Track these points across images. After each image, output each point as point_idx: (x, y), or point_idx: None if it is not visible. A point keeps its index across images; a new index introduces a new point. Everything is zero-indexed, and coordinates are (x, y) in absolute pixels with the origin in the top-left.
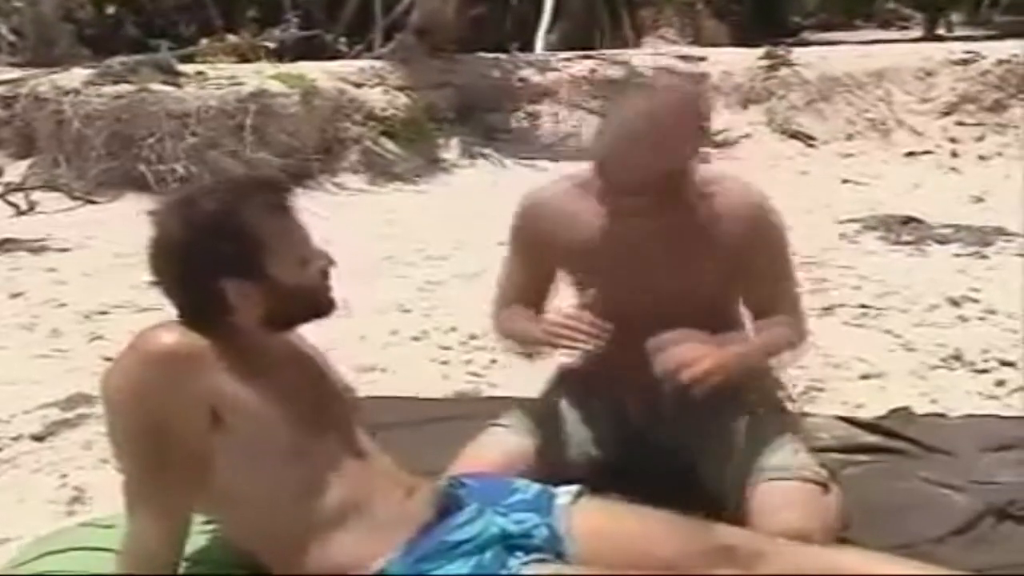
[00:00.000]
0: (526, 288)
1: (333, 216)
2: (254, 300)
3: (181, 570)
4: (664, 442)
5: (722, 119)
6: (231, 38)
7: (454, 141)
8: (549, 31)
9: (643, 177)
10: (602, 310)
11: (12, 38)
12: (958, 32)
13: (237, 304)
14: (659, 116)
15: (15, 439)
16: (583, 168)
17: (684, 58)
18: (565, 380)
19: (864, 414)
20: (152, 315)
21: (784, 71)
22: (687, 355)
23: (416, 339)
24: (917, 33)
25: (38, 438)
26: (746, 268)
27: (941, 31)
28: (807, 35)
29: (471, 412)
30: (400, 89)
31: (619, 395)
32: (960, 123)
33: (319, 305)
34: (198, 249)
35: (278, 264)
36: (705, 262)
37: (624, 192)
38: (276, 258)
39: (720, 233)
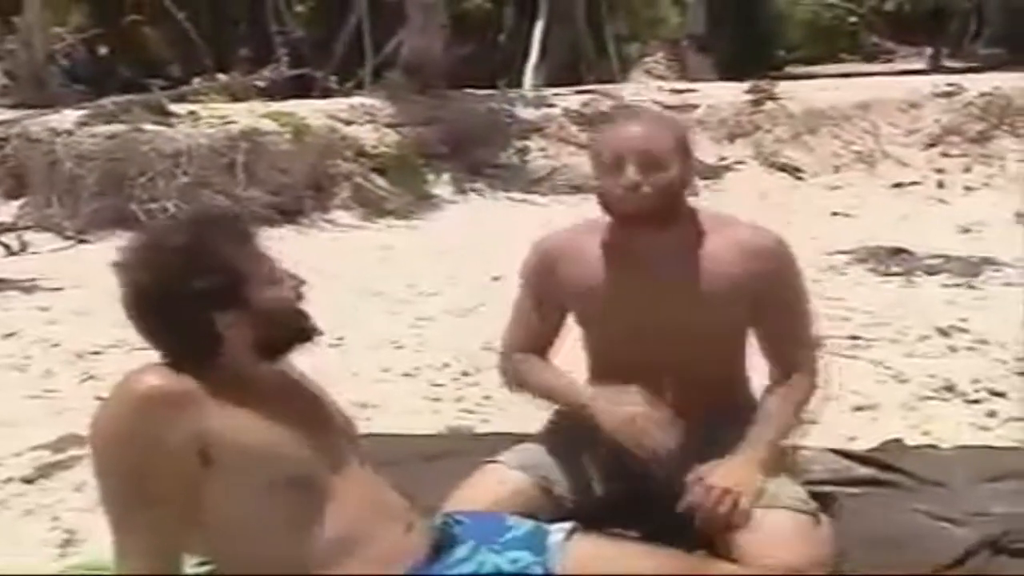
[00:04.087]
0: (537, 331)
1: (325, 252)
2: (241, 328)
3: None
4: (659, 478)
5: (709, 152)
6: (222, 77)
7: (444, 177)
8: (537, 67)
9: (640, 197)
10: (608, 350)
11: (4, 80)
12: (946, 64)
13: (226, 335)
14: (648, 133)
15: (6, 481)
16: (593, 212)
17: (673, 91)
18: (564, 418)
19: (856, 446)
20: (145, 355)
21: (770, 105)
22: (716, 495)
23: (408, 375)
24: (904, 66)
25: (29, 480)
26: (758, 311)
27: (925, 65)
28: (792, 69)
29: (463, 448)
30: (390, 126)
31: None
32: (945, 154)
33: (302, 327)
34: (178, 289)
35: (255, 288)
36: (714, 306)
37: (624, 214)
38: (252, 283)
39: (731, 276)
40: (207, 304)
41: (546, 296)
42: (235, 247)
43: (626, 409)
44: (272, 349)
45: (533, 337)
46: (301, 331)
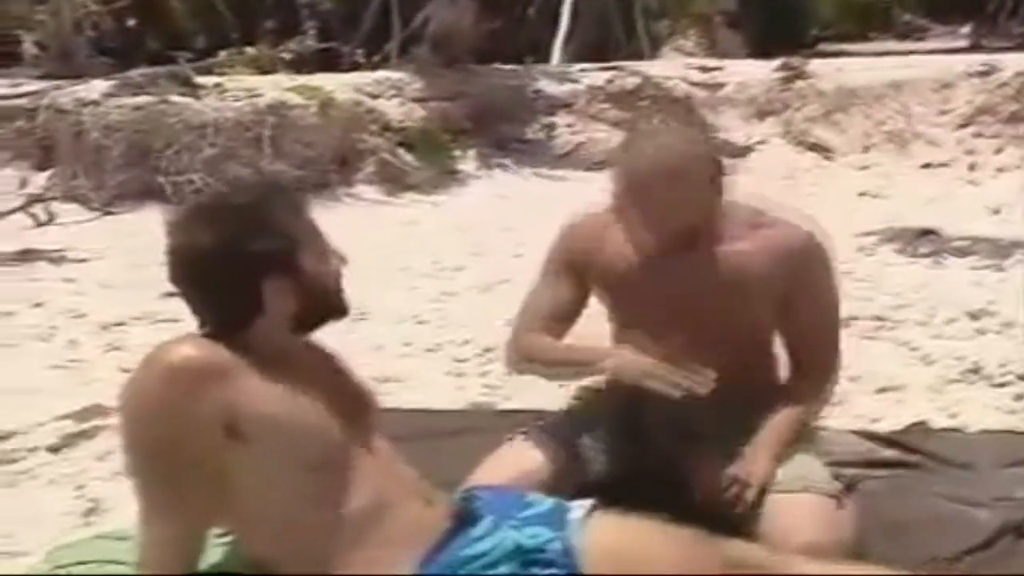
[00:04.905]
0: (557, 312)
1: (349, 227)
2: (286, 297)
3: None
4: (683, 459)
5: (738, 131)
6: (249, 50)
7: (470, 152)
8: (565, 43)
9: (661, 233)
10: (635, 335)
11: (35, 51)
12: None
13: (272, 303)
14: (672, 177)
15: (31, 451)
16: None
17: (700, 69)
18: (588, 397)
19: (881, 428)
20: (170, 326)
21: (800, 83)
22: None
23: (431, 351)
24: (938, 44)
25: (54, 450)
26: (787, 308)
27: (962, 43)
28: (823, 47)
29: (486, 425)
30: (417, 100)
31: (644, 416)
32: (978, 135)
33: (339, 303)
34: (234, 249)
35: (307, 258)
36: (742, 297)
37: (647, 245)
38: (305, 252)
39: (761, 270)
40: (260, 268)
41: (571, 279)
42: (291, 215)
43: (649, 358)
44: (308, 322)
45: (549, 319)
46: (337, 307)
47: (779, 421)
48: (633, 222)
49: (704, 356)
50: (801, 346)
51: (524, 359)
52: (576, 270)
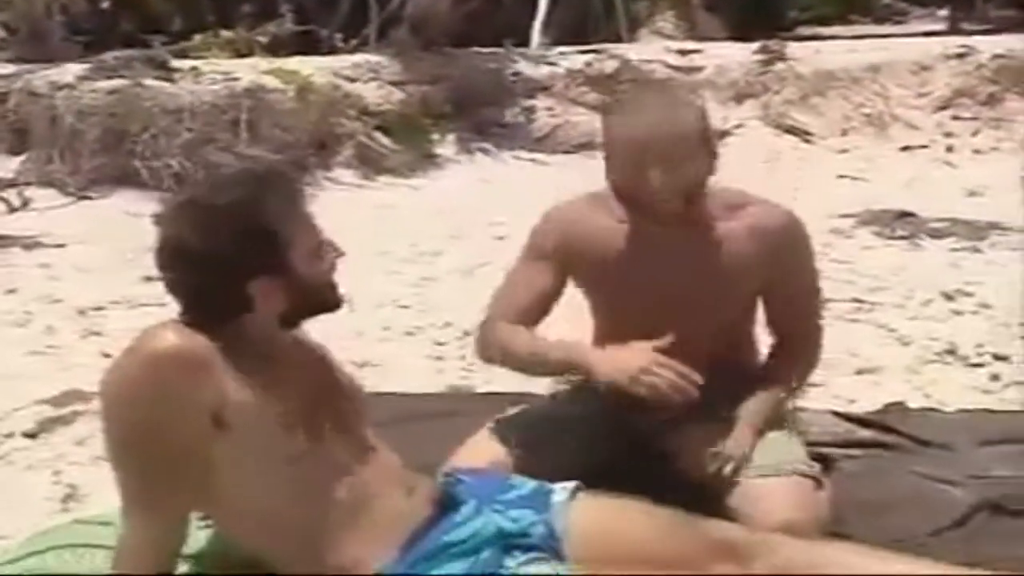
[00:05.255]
0: (533, 301)
1: (328, 211)
2: (275, 295)
3: (181, 570)
4: (662, 442)
5: (716, 114)
6: (225, 33)
7: (449, 136)
8: (544, 25)
9: (662, 199)
10: (616, 324)
11: (3, 33)
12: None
13: (260, 302)
14: (671, 138)
15: (8, 436)
16: (599, 171)
17: (679, 52)
18: (569, 385)
19: (858, 409)
20: (148, 311)
21: (779, 66)
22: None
23: (410, 334)
24: (917, 28)
25: (31, 435)
26: (768, 288)
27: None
28: (802, 30)
29: (465, 408)
30: (395, 84)
31: (623, 403)
32: (956, 117)
33: (331, 299)
34: (222, 250)
35: (299, 257)
36: (722, 283)
37: (645, 213)
38: (297, 252)
39: (741, 255)
40: (248, 269)
41: (551, 266)
42: (285, 211)
43: (623, 354)
44: (297, 317)
45: (526, 306)
46: (329, 303)
47: (762, 397)
48: (637, 190)
49: (687, 340)
50: (784, 323)
51: (499, 350)
52: (556, 257)
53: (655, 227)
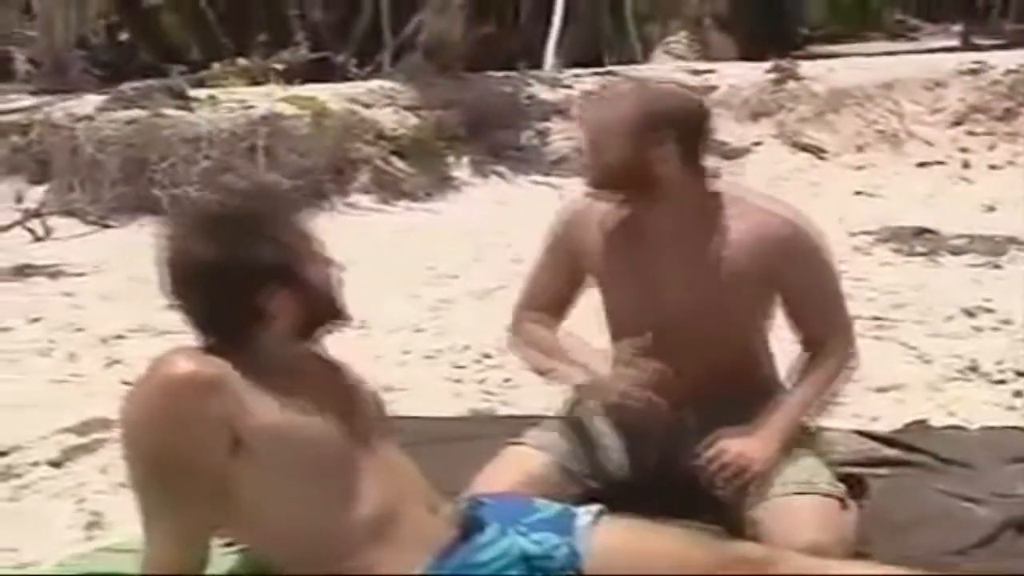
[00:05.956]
0: (555, 293)
1: (345, 236)
2: (288, 306)
3: None
4: (685, 458)
5: (731, 132)
6: (241, 62)
7: (464, 159)
8: (557, 48)
9: (598, 171)
10: (625, 320)
11: (28, 67)
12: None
13: (276, 314)
14: (602, 112)
15: (33, 465)
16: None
17: (693, 72)
18: (584, 402)
19: (880, 427)
20: (169, 338)
21: (792, 84)
22: (732, 462)
23: (429, 358)
24: (930, 44)
25: (55, 464)
26: (783, 293)
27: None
28: (814, 48)
29: (485, 431)
30: (410, 109)
31: (642, 411)
32: (971, 133)
33: (340, 310)
34: (234, 261)
35: (306, 267)
36: (727, 281)
37: (593, 187)
38: (304, 260)
39: (748, 259)
40: (260, 278)
41: (567, 260)
42: (289, 224)
43: (606, 378)
44: (311, 330)
45: (549, 298)
46: (338, 314)
47: (787, 406)
48: (584, 166)
49: (692, 345)
50: (807, 327)
51: (521, 356)
52: (571, 254)
53: (636, 208)
